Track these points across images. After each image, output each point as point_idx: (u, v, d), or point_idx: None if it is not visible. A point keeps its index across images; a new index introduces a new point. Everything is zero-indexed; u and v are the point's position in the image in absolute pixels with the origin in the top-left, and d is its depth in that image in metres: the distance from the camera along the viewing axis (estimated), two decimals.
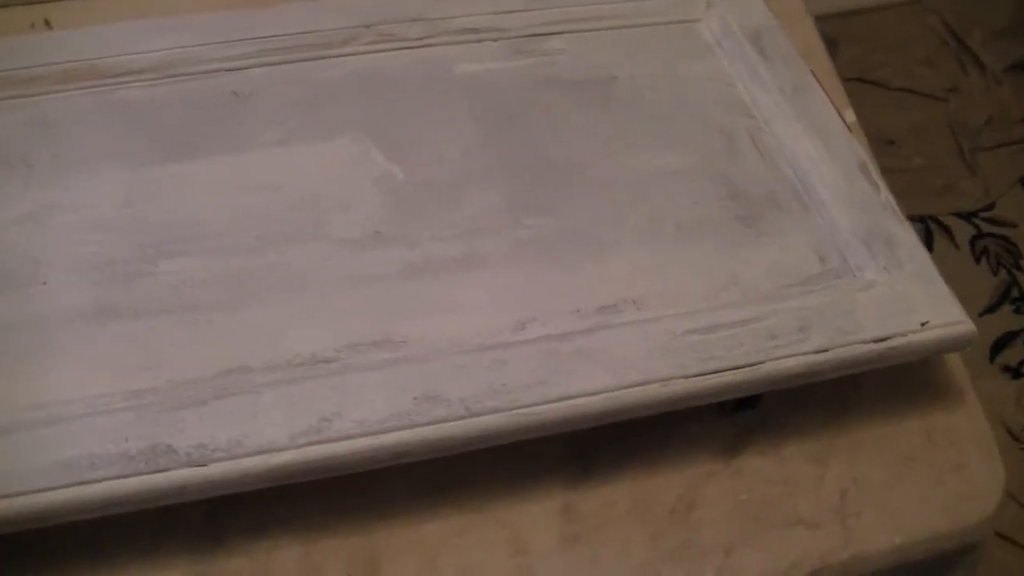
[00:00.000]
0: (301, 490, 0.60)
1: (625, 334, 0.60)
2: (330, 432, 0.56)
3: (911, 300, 0.62)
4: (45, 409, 0.57)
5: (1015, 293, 1.37)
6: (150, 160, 0.65)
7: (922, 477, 0.65)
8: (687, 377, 0.59)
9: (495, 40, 0.70)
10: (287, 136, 0.66)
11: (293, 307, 0.60)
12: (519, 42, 0.70)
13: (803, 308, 0.61)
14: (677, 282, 0.63)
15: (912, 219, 0.66)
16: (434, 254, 0.62)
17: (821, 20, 0.83)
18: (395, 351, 0.59)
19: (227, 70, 0.68)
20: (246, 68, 0.68)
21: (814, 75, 0.71)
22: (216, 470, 0.56)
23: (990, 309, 1.38)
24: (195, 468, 0.55)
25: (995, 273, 1.38)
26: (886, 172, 0.69)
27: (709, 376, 0.59)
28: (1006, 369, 1.32)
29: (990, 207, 1.40)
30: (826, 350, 0.60)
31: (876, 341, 0.61)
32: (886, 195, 0.67)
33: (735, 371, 0.59)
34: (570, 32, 0.71)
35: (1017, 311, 1.37)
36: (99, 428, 0.56)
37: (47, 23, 0.72)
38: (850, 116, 0.71)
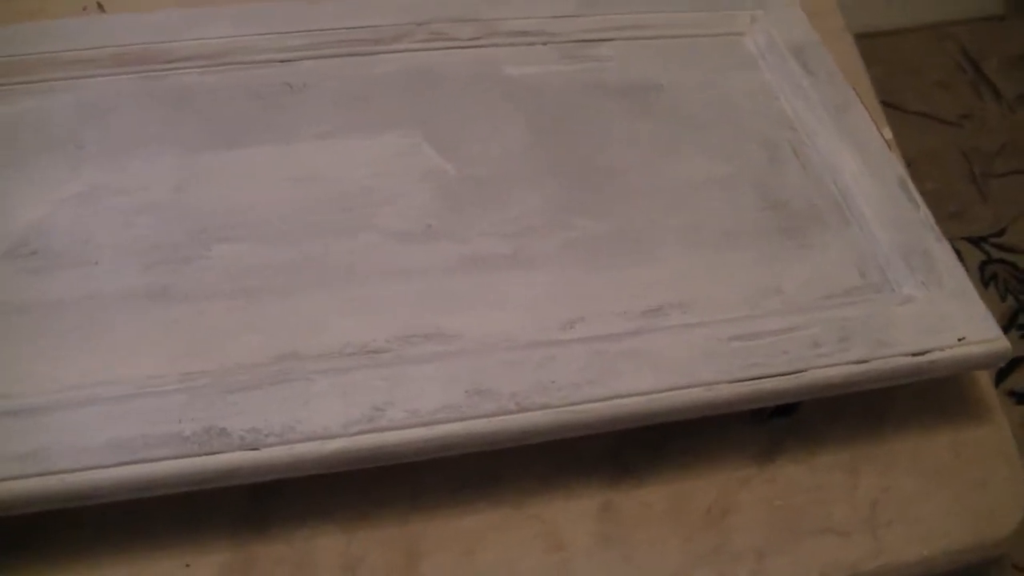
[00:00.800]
0: (343, 479, 0.61)
1: (671, 337, 0.62)
2: (382, 421, 0.58)
3: (949, 316, 0.64)
4: (97, 388, 0.59)
5: (1022, 319, 1.40)
6: (201, 146, 0.67)
7: (950, 491, 0.68)
8: (731, 382, 0.61)
9: (545, 44, 0.72)
10: (339, 128, 0.68)
11: (345, 297, 0.62)
12: (569, 47, 0.72)
13: (844, 319, 0.64)
14: (720, 288, 0.65)
15: None
16: (484, 250, 0.64)
17: None
18: (446, 344, 0.61)
19: (280, 61, 0.70)
20: (299, 60, 0.70)
21: (855, 92, 0.74)
22: (269, 455, 0.57)
23: None
24: (248, 452, 0.57)
25: (1003, 299, 1.42)
26: None
27: (753, 382, 0.61)
28: (1012, 394, 1.35)
29: (1000, 233, 1.44)
30: (866, 361, 0.62)
31: (914, 355, 0.63)
32: (925, 212, 0.69)
33: (778, 378, 0.62)
34: (618, 40, 0.73)
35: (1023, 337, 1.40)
36: (153, 409, 0.58)
37: (100, 6, 0.74)
38: (887, 133, 0.74)
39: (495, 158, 0.68)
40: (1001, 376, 1.37)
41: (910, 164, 1.46)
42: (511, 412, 0.59)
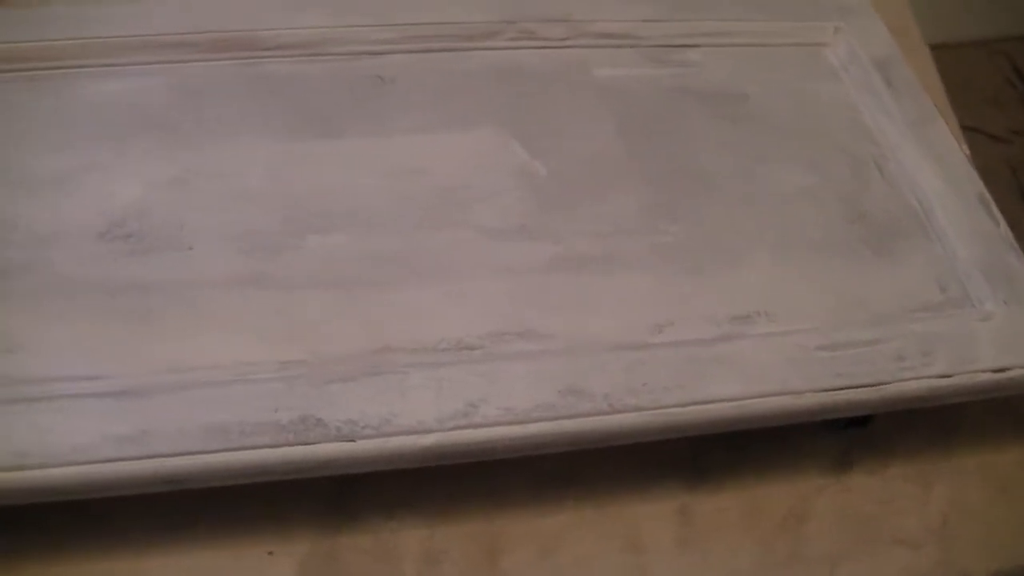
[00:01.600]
0: (427, 473, 0.62)
1: (758, 344, 0.63)
2: (477, 417, 0.58)
3: None
4: (193, 372, 0.59)
5: None
6: (295, 135, 0.67)
7: (1020, 506, 0.68)
8: (818, 391, 0.62)
9: (632, 47, 0.72)
10: (430, 123, 0.68)
11: (438, 292, 0.63)
12: (656, 51, 0.72)
13: (927, 333, 0.64)
14: (805, 297, 0.66)
15: None
16: (576, 251, 0.65)
17: None
18: (538, 343, 0.61)
19: (372, 53, 0.70)
20: (391, 53, 0.70)
21: (936, 107, 0.74)
22: (365, 446, 0.58)
23: None
24: (344, 443, 0.57)
25: None
26: None
27: (839, 392, 0.62)
28: None
29: None
30: (949, 376, 0.63)
31: (996, 371, 0.64)
32: (1005, 229, 0.70)
33: (864, 389, 0.62)
34: (705, 46, 0.73)
35: None
36: (249, 396, 0.58)
37: None
38: (964, 149, 0.75)
39: (585, 159, 0.68)
40: None
41: None
42: (604, 413, 0.59)
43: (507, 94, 0.70)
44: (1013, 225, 0.71)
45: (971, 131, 1.52)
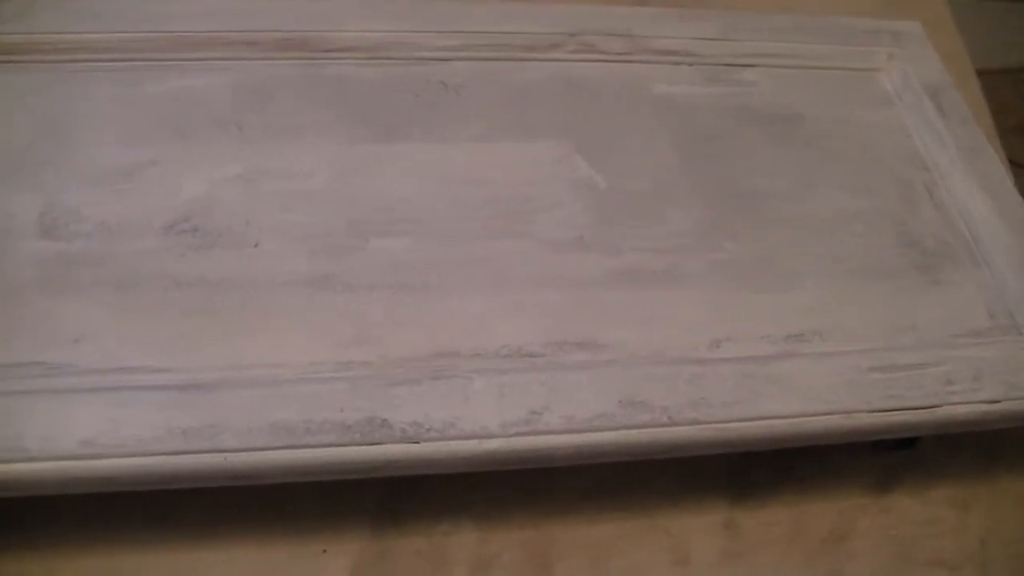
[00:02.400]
0: (480, 478, 0.62)
1: (813, 364, 0.64)
2: (539, 425, 0.59)
3: None
4: (258, 369, 0.60)
5: None
6: (359, 138, 0.68)
7: None
8: (870, 412, 0.63)
9: (691, 65, 0.74)
10: (492, 131, 0.69)
11: (500, 299, 0.63)
12: (713, 70, 0.74)
13: (976, 359, 0.66)
14: (857, 319, 0.67)
15: None
16: (635, 265, 0.66)
17: None
18: (598, 354, 0.62)
19: (436, 59, 0.71)
20: (454, 60, 0.71)
21: (986, 137, 0.76)
22: (429, 449, 0.58)
23: None
24: (409, 444, 0.58)
25: None
26: None
27: (890, 413, 0.63)
28: None
29: None
30: (998, 402, 0.64)
31: None
32: None
33: (914, 411, 0.63)
34: (761, 67, 0.75)
35: None
36: (315, 395, 0.59)
37: None
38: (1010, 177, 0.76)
39: (644, 174, 0.69)
40: None
41: None
42: (663, 425, 0.60)
43: (568, 106, 0.71)
44: None
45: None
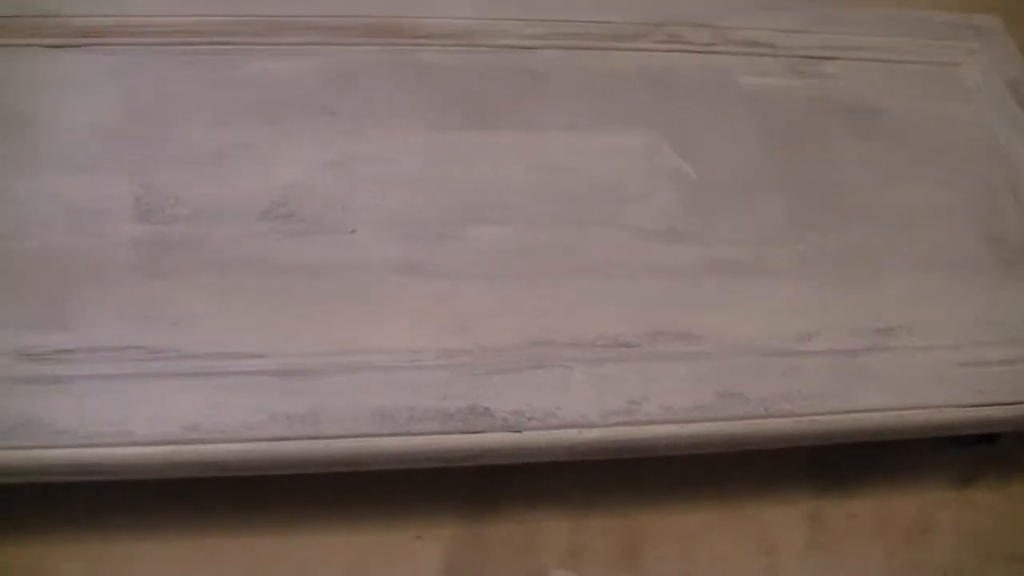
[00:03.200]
0: (572, 466, 0.63)
1: (902, 358, 0.64)
2: (638, 415, 0.60)
3: None
4: (359, 356, 0.60)
5: None
6: (448, 124, 0.68)
7: None
8: (960, 407, 0.63)
9: (774, 56, 0.74)
10: (580, 120, 0.69)
11: (595, 288, 0.64)
12: (796, 62, 0.74)
13: None
14: (942, 314, 0.67)
15: None
16: (725, 256, 0.66)
17: None
18: (693, 344, 0.63)
19: (522, 48, 0.71)
20: (541, 48, 0.71)
21: None
22: (530, 438, 0.59)
23: None
24: (510, 433, 0.59)
25: None
26: None
27: (979, 408, 0.64)
28: None
29: None
30: None
31: None
32: None
33: (1003, 407, 0.64)
34: (843, 59, 0.75)
35: None
36: (417, 383, 0.59)
37: None
38: None
39: (732, 165, 0.69)
40: None
41: None
42: (760, 416, 0.61)
43: (656, 96, 0.71)
44: None
45: None
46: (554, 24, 0.71)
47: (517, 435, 0.59)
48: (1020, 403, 0.64)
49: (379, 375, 0.59)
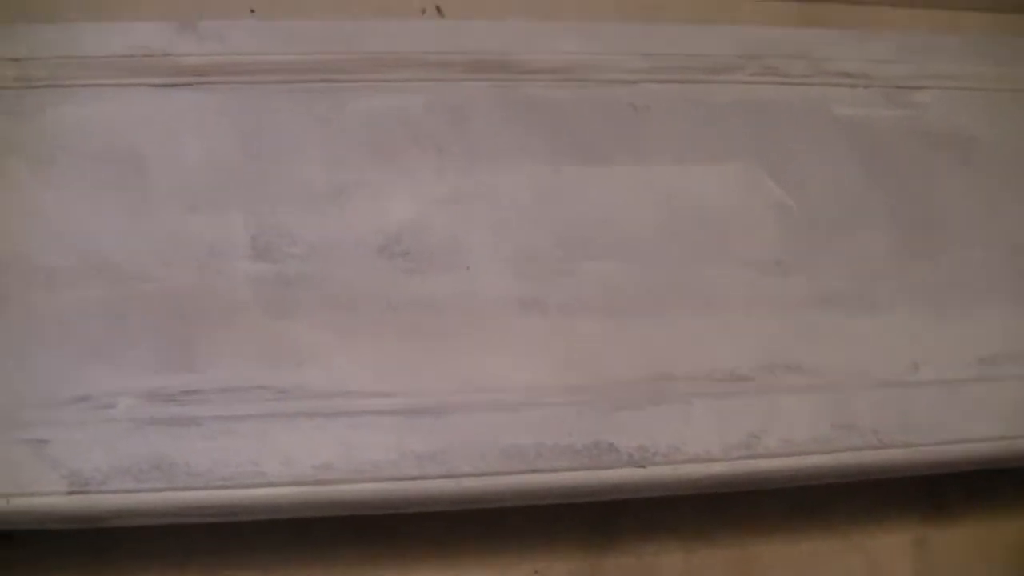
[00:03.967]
0: (687, 499, 0.64)
1: (1010, 387, 0.65)
2: (759, 448, 0.61)
3: None
4: (483, 393, 0.61)
5: None
6: (558, 159, 0.68)
7: None
8: None
9: (867, 87, 0.74)
10: (684, 154, 0.70)
11: (708, 322, 0.65)
12: (889, 91, 0.74)
13: None
14: None
15: None
16: (831, 288, 0.67)
17: None
18: (806, 377, 0.64)
19: (624, 82, 0.71)
20: (641, 82, 0.71)
21: None
22: (655, 473, 0.60)
23: None
24: (636, 468, 0.60)
25: None
26: None
27: None
28: None
29: None
30: None
31: None
32: None
33: None
34: (935, 88, 0.75)
35: None
36: (542, 420, 0.60)
37: (439, 10, 0.75)
38: None
39: (832, 196, 0.70)
40: None
41: None
42: (875, 447, 0.62)
43: (755, 129, 0.71)
44: None
45: None
46: (655, 58, 0.72)
47: (642, 470, 0.60)
48: None
49: (504, 412, 0.60)
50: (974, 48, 0.77)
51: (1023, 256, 0.71)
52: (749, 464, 0.60)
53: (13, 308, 0.61)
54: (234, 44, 0.69)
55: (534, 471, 0.59)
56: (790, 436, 0.61)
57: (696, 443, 0.60)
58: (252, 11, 0.73)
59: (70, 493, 0.57)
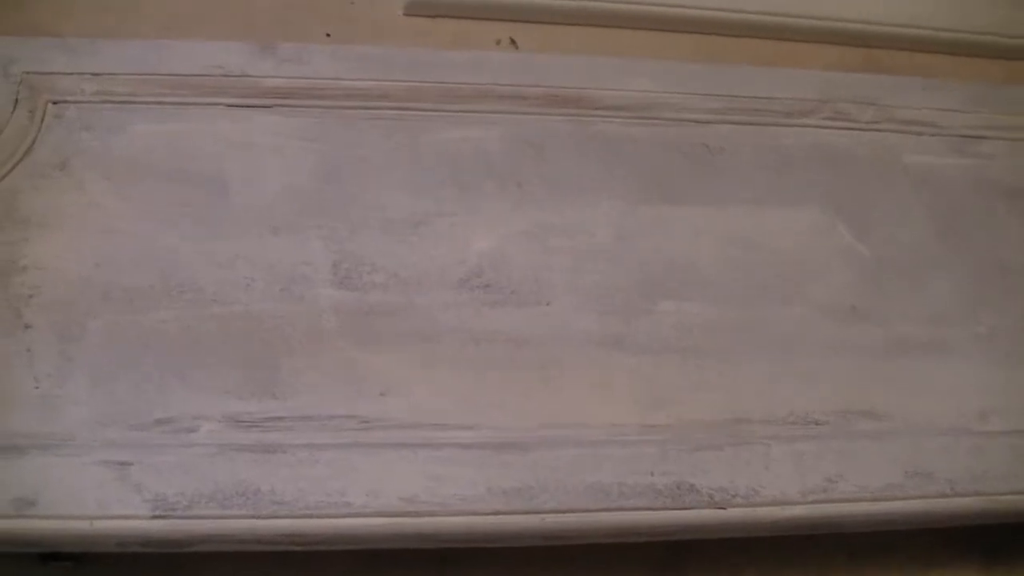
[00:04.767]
0: (750, 539, 0.64)
1: None
2: (835, 493, 0.62)
3: None
4: (566, 430, 0.62)
5: None
6: (635, 197, 0.70)
7: None
8: None
9: (933, 136, 0.76)
10: (759, 196, 0.71)
11: (783, 366, 0.66)
12: (955, 141, 0.76)
13: None
14: None
15: None
16: (903, 335, 0.68)
17: None
18: (878, 423, 0.65)
19: (697, 121, 0.73)
20: (715, 122, 0.73)
21: None
22: (734, 515, 0.61)
23: None
24: (716, 510, 0.60)
25: None
26: None
27: None
28: None
29: None
30: None
31: None
32: None
33: None
34: (999, 139, 0.77)
35: None
36: (624, 458, 0.61)
37: (513, 42, 0.75)
38: None
39: (902, 243, 0.72)
40: None
41: None
42: (947, 496, 0.63)
43: (825, 173, 0.73)
44: None
45: None
46: (727, 99, 0.73)
47: (723, 512, 0.61)
48: None
49: (588, 449, 0.61)
50: None
51: None
52: (826, 508, 0.61)
53: (93, 327, 0.61)
54: (313, 68, 0.70)
55: (617, 509, 0.60)
56: (865, 482, 0.62)
57: (774, 486, 0.61)
58: (328, 35, 0.74)
59: (154, 517, 0.57)
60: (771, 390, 0.65)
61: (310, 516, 0.58)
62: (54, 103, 0.67)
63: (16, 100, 0.67)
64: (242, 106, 0.69)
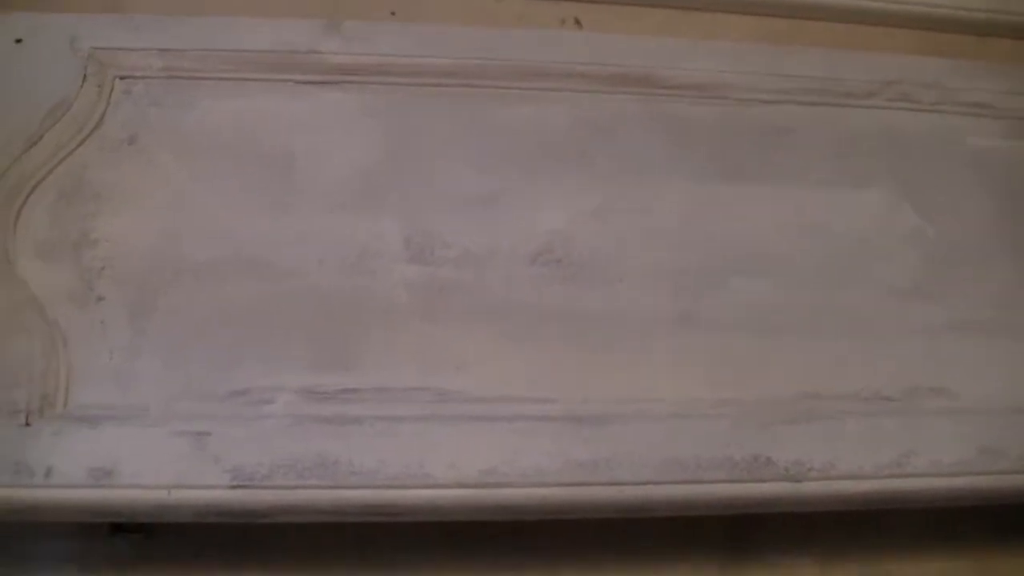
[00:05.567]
0: (821, 515, 0.65)
1: None
2: (909, 468, 0.62)
3: None
4: (641, 404, 0.63)
5: None
6: (703, 176, 0.70)
7: None
8: None
9: (994, 118, 0.77)
10: (828, 177, 0.72)
11: (854, 344, 0.66)
12: (1015, 123, 0.77)
13: None
14: None
15: None
16: (968, 314, 0.69)
17: None
18: (949, 400, 0.66)
19: (764, 102, 0.73)
20: (782, 103, 0.73)
21: None
22: (810, 488, 0.61)
23: None
24: (792, 483, 0.61)
25: None
26: None
27: None
28: None
29: None
30: None
31: None
32: None
33: None
34: None
35: None
36: (701, 431, 0.62)
37: (577, 22, 0.76)
38: None
39: (966, 224, 0.72)
40: None
41: None
42: (1018, 472, 0.63)
43: (890, 154, 0.74)
44: None
45: None
46: (792, 80, 0.74)
47: (797, 484, 0.61)
48: None
49: (663, 424, 0.62)
50: None
51: None
52: (899, 483, 0.62)
53: (167, 301, 0.62)
54: (379, 45, 0.71)
55: (694, 481, 0.60)
56: (938, 458, 0.63)
57: (849, 460, 0.62)
58: (393, 13, 0.74)
59: (233, 487, 0.57)
60: (841, 367, 0.66)
61: (390, 487, 0.58)
62: (121, 78, 0.68)
63: (84, 75, 0.67)
64: (309, 83, 0.69)
